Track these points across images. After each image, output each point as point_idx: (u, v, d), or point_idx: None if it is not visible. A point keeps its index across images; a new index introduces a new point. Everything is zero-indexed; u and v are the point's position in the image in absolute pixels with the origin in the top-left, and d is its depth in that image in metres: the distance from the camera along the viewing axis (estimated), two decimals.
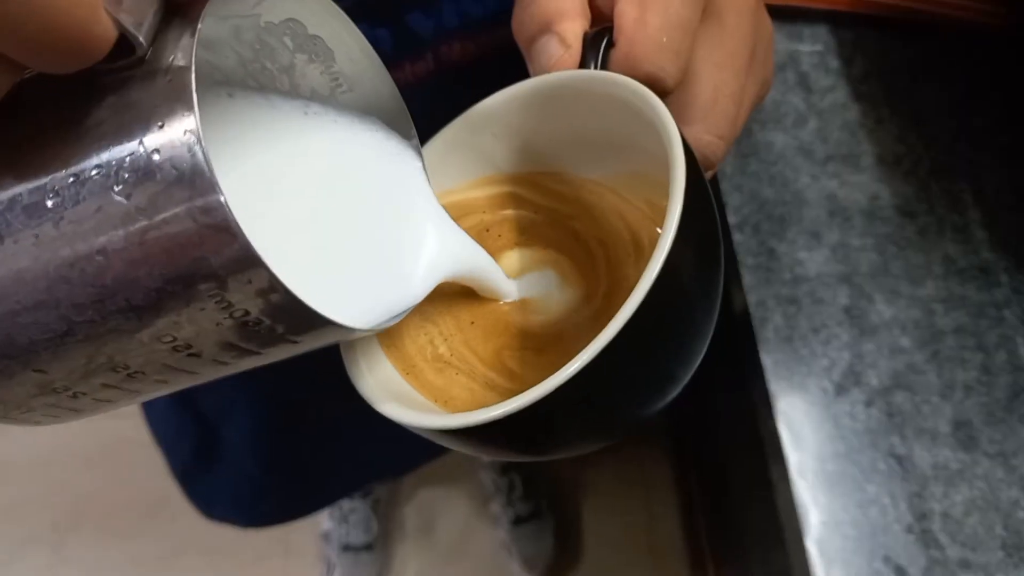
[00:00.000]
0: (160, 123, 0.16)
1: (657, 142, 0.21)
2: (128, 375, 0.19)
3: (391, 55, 0.39)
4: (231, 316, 0.18)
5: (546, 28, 0.25)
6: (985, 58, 0.49)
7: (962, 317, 0.41)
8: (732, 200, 0.43)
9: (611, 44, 0.24)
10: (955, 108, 0.47)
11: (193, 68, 0.16)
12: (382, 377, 0.24)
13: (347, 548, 1.15)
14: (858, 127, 0.46)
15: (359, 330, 0.20)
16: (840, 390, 0.39)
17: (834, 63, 0.48)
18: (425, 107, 0.28)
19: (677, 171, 0.20)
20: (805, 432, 0.38)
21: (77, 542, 1.22)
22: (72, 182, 0.17)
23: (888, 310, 0.41)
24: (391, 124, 0.26)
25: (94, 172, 0.17)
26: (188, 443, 0.53)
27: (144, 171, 0.16)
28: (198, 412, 0.52)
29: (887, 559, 0.35)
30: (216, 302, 0.17)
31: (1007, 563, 0.35)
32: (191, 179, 0.16)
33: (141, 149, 0.16)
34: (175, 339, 0.18)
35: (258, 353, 0.20)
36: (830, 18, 0.50)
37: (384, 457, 0.62)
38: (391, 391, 0.23)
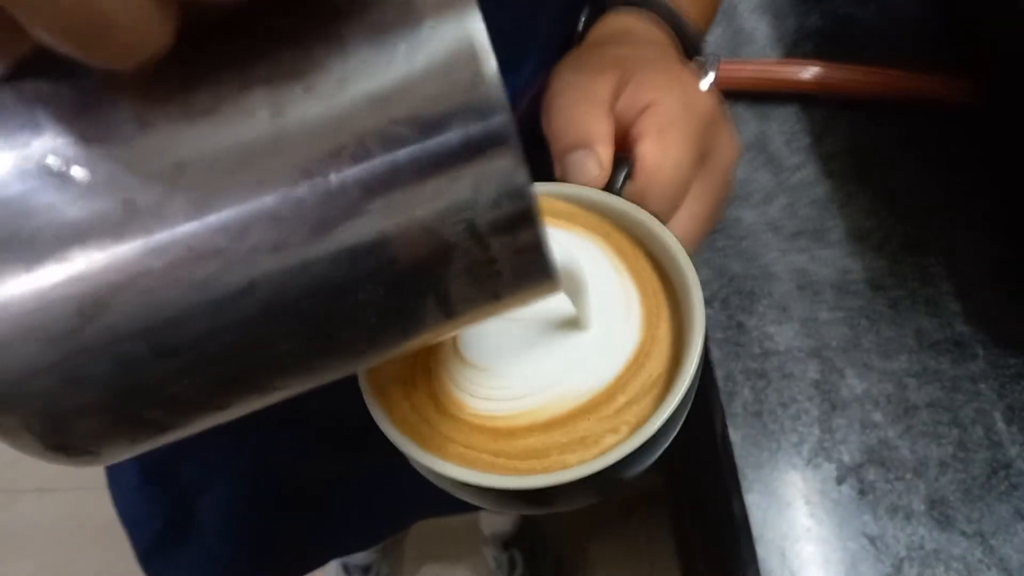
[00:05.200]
0: (432, 22, 0.14)
1: (679, 282, 0.27)
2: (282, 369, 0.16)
3: None
4: (474, 263, 0.16)
5: (585, 145, 0.28)
6: (957, 134, 0.50)
7: (936, 391, 0.40)
8: (701, 275, 0.43)
9: (629, 175, 0.29)
10: (928, 183, 0.48)
11: None
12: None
13: None
14: (828, 203, 0.47)
15: (558, 287, 0.19)
16: (810, 466, 0.38)
17: (804, 141, 0.50)
18: None
19: (696, 337, 0.25)
20: (774, 510, 0.37)
21: None
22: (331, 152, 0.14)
23: (859, 384, 0.40)
24: None
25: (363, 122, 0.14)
26: (157, 521, 0.53)
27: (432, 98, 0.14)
28: (173, 485, 0.52)
29: None
30: (466, 241, 0.15)
31: None
32: (481, 104, 0.14)
33: (417, 78, 0.14)
34: (430, 294, 0.16)
35: (454, 319, 0.17)
36: (800, 98, 0.51)
37: (364, 524, 0.61)
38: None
